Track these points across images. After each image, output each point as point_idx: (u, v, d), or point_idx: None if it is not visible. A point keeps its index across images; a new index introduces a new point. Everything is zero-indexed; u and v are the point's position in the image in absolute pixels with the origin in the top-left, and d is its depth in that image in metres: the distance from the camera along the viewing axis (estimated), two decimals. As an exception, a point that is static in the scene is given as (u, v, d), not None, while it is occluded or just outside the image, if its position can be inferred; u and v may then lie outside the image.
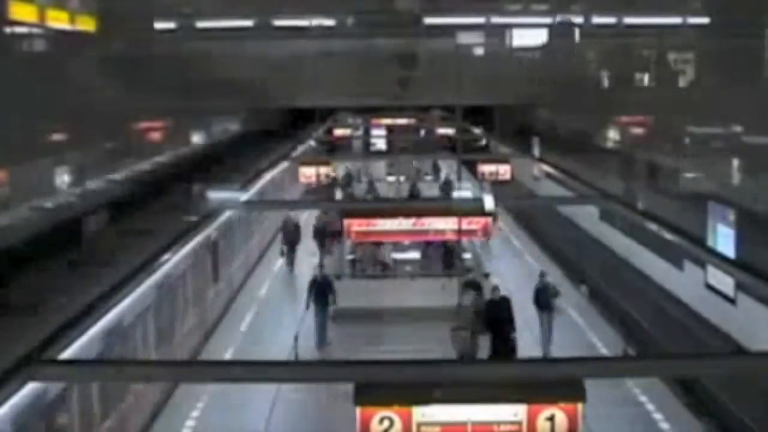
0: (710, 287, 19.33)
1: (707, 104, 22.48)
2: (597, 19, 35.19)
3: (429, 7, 36.25)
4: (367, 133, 63.48)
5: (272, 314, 24.90)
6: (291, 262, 30.60)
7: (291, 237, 30.82)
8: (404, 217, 22.84)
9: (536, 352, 20.63)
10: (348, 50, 36.23)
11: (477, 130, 52.85)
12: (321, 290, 22.58)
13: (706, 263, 19.27)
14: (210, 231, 23.42)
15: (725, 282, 18.46)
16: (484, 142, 52.12)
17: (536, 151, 40.51)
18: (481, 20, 35.69)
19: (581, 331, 22.93)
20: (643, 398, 17.95)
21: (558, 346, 20.91)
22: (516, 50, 35.31)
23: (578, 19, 35.05)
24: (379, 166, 51.35)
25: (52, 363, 11.31)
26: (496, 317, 19.86)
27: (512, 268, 29.31)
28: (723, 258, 18.04)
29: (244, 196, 25.51)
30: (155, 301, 17.87)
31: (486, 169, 36.09)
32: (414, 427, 10.29)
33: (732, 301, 18.33)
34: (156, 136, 28.59)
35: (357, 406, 10.26)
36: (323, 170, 36.12)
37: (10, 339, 11.74)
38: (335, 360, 18.07)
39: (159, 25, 32.34)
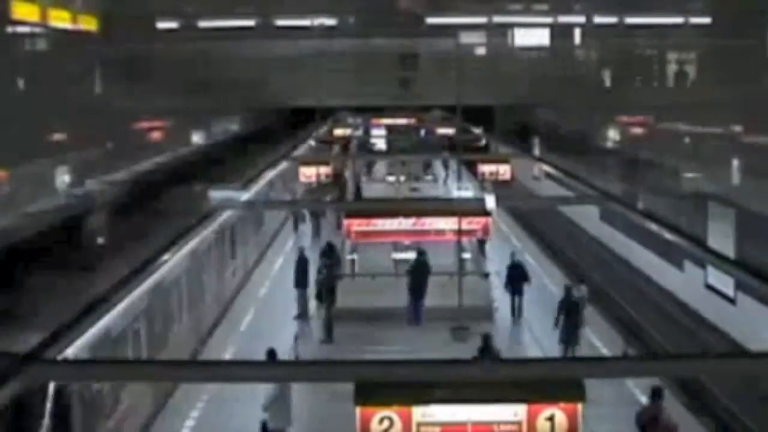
0: (710, 287, 19.34)
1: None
2: (598, 19, 35.18)
3: (431, 7, 36.25)
4: (366, 132, 63.50)
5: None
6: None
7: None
8: (404, 217, 22.84)
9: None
10: (349, 50, 36.22)
11: (477, 130, 52.85)
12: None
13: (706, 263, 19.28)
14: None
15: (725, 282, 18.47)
16: (483, 142, 52.14)
17: (536, 151, 40.51)
18: (483, 20, 35.67)
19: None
20: (643, 398, 17.94)
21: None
22: (519, 50, 35.30)
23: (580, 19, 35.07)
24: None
25: (52, 363, 11.32)
26: None
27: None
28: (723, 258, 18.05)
29: (244, 196, 25.53)
30: None
31: (486, 169, 36.08)
32: (414, 427, 10.29)
33: (732, 301, 18.34)
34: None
35: (357, 406, 10.26)
36: (323, 170, 36.04)
37: (10, 339, 11.74)
38: (335, 360, 18.06)
39: (161, 25, 32.31)
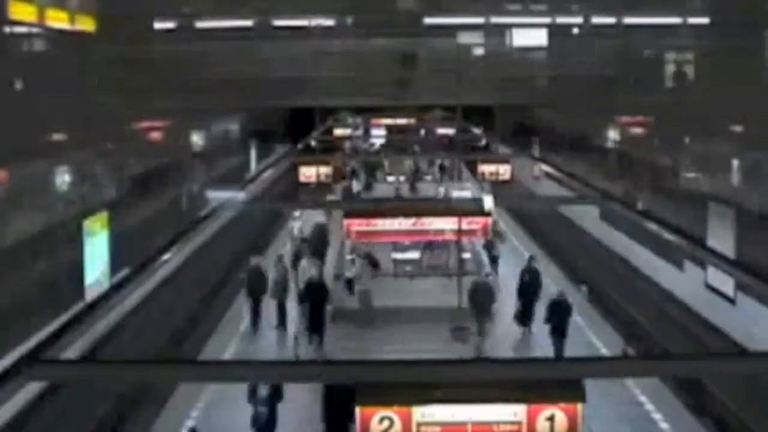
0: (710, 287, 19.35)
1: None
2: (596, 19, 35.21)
3: (429, 7, 36.26)
4: (366, 133, 63.41)
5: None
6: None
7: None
8: (404, 217, 22.80)
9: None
10: (348, 50, 36.22)
11: (477, 130, 52.81)
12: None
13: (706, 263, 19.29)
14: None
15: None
16: (484, 142, 52.12)
17: (536, 151, 40.56)
18: (480, 20, 35.67)
19: (581, 330, 22.92)
20: (642, 398, 17.94)
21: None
22: (517, 50, 35.31)
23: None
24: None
25: (52, 363, 11.30)
26: None
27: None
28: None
29: (243, 196, 25.48)
30: None
31: (486, 169, 36.06)
32: (414, 427, 10.28)
33: (732, 300, 18.35)
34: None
35: (357, 406, 10.26)
36: (323, 170, 35.97)
37: (10, 339, 11.74)
38: (335, 360, 18.04)
39: (158, 25, 32.32)
